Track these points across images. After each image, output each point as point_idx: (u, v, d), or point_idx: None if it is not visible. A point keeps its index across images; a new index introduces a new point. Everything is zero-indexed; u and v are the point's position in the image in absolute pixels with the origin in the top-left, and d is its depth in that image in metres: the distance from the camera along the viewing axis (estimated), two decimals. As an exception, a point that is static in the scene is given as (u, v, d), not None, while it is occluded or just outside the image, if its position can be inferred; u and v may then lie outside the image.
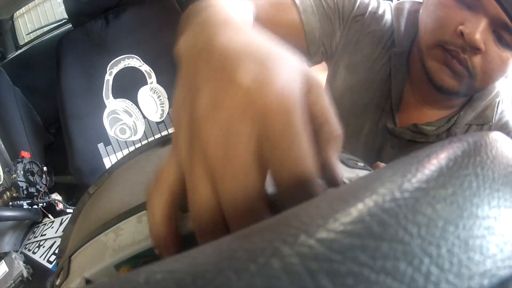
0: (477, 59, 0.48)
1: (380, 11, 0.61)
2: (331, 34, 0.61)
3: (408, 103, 0.60)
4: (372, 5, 0.61)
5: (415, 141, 0.58)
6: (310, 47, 0.60)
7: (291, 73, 0.19)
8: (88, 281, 0.23)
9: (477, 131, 0.56)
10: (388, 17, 0.61)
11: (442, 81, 0.51)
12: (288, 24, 0.57)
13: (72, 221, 0.34)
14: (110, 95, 1.46)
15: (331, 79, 0.65)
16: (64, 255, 0.28)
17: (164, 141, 0.36)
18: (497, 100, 0.57)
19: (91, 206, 0.33)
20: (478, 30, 0.45)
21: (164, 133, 1.48)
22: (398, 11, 0.61)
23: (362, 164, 0.30)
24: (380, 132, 0.62)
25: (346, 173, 0.27)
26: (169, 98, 1.48)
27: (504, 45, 0.48)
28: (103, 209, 0.29)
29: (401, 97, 0.59)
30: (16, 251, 1.29)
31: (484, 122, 0.57)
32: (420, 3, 0.58)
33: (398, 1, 0.62)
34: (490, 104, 0.57)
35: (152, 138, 1.47)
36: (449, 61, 0.49)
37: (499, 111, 0.57)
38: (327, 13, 0.59)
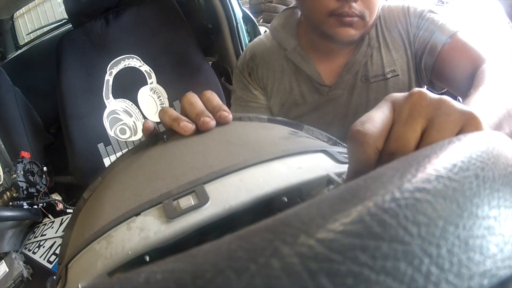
0: (359, 4, 0.63)
1: (248, 53, 0.82)
2: (261, 105, 0.82)
3: (327, 73, 0.75)
4: (244, 55, 0.84)
5: (355, 86, 0.74)
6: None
7: None
8: None
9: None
10: (259, 45, 0.82)
11: (348, 37, 0.66)
12: None
13: (70, 228, 0.34)
14: (110, 95, 1.46)
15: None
16: (62, 263, 0.29)
17: (155, 140, 0.36)
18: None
19: (86, 212, 0.33)
20: None
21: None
22: (272, 26, 0.81)
23: None
24: (335, 111, 0.76)
25: (335, 169, 0.27)
26: (169, 98, 1.47)
27: None
28: (95, 215, 0.29)
29: (319, 74, 0.75)
30: (16, 251, 1.29)
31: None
32: (288, 9, 0.81)
33: (271, 22, 0.82)
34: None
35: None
36: (344, 20, 0.64)
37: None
38: (246, 100, 0.82)
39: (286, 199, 0.25)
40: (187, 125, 0.34)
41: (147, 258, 0.23)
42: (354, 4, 0.62)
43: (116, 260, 0.23)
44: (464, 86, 0.57)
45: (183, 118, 0.35)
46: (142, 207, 0.25)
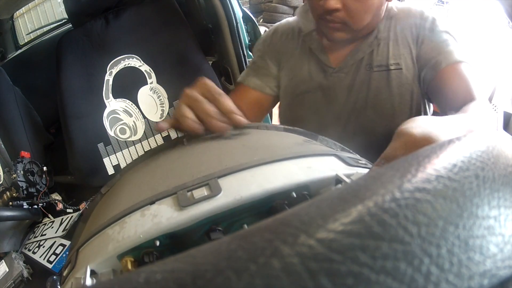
0: (341, 13, 0.69)
1: (272, 29, 0.92)
2: (271, 74, 0.89)
3: (335, 57, 0.81)
4: (269, 31, 0.93)
5: (358, 71, 0.79)
6: (270, 93, 0.89)
7: None
8: (92, 271, 0.24)
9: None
10: (284, 24, 0.92)
11: (333, 36, 0.74)
12: (249, 102, 0.88)
13: (84, 220, 0.36)
14: (110, 95, 1.46)
15: (287, 107, 0.90)
16: (73, 248, 0.30)
17: (174, 143, 0.38)
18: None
19: (101, 205, 0.35)
20: (329, 1, 0.67)
21: (164, 133, 1.48)
22: (298, 11, 0.90)
23: (363, 162, 0.31)
24: (337, 93, 0.82)
25: (345, 170, 0.27)
26: (169, 98, 1.47)
27: None
28: (111, 207, 0.30)
29: (327, 57, 0.81)
30: (16, 251, 1.29)
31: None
32: None
33: (298, 8, 0.91)
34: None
35: (152, 138, 1.47)
36: (328, 23, 0.72)
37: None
38: (259, 66, 0.89)
39: (295, 195, 0.26)
40: (193, 125, 0.37)
41: (158, 243, 0.24)
42: (336, 13, 0.68)
43: (127, 243, 0.24)
44: (450, 112, 0.62)
45: (192, 117, 0.38)
46: (156, 196, 0.27)
